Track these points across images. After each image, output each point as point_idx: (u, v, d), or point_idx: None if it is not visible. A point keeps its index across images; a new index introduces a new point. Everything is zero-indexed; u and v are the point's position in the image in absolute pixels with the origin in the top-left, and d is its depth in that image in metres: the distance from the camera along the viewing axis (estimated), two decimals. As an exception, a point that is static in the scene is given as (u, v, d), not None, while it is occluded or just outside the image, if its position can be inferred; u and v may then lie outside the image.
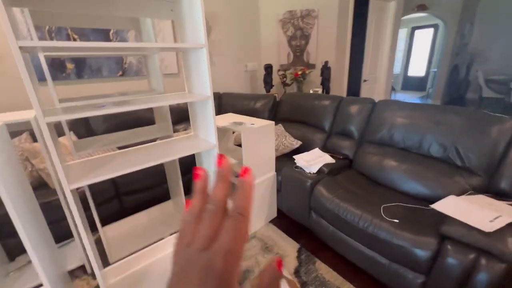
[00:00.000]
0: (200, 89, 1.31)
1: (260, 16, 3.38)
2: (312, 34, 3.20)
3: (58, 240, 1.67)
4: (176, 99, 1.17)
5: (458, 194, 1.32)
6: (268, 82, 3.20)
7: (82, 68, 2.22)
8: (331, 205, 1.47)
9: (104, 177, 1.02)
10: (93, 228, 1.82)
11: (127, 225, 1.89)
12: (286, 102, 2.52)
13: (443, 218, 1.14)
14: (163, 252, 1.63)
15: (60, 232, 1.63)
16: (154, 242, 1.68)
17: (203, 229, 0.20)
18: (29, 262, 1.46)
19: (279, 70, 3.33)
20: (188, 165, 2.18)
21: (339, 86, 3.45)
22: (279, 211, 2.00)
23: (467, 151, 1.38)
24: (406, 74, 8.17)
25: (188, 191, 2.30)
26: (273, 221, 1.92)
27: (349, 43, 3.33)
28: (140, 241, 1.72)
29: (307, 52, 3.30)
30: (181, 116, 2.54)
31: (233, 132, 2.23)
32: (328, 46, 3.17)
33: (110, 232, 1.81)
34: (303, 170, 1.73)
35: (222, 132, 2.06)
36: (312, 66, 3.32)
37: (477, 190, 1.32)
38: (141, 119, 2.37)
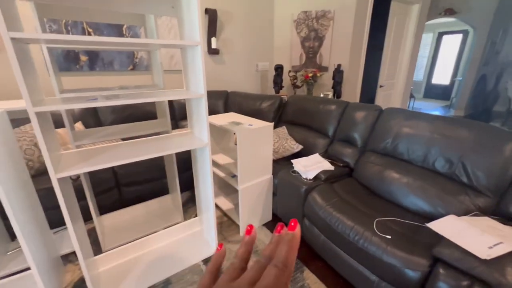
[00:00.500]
0: (195, 87, 1.30)
1: (275, 15, 3.34)
2: (327, 36, 3.11)
3: (59, 225, 1.74)
4: (169, 96, 1.17)
5: (462, 214, 1.22)
6: (277, 83, 3.16)
7: (95, 60, 2.30)
8: (323, 214, 1.41)
9: (91, 168, 1.04)
10: (90, 216, 1.88)
11: (124, 216, 1.94)
12: (292, 104, 2.47)
13: (440, 238, 1.06)
14: (155, 245, 1.65)
15: (61, 217, 1.70)
16: (148, 235, 1.71)
17: (249, 272, 0.22)
18: (28, 243, 1.53)
19: (290, 71, 3.27)
20: (188, 162, 2.20)
21: (352, 90, 3.33)
22: (274, 215, 1.96)
23: (475, 168, 1.28)
24: (430, 82, 7.77)
25: (185, 187, 2.32)
26: (267, 225, 1.89)
27: (365, 46, 3.21)
28: (135, 232, 1.76)
29: (320, 54, 3.22)
30: (184, 115, 2.56)
31: (234, 133, 2.22)
32: (343, 48, 3.07)
33: (107, 221, 1.87)
34: (300, 175, 1.68)
35: (223, 131, 2.05)
36: (325, 69, 3.23)
37: (483, 212, 1.21)
38: (148, 113, 2.42)
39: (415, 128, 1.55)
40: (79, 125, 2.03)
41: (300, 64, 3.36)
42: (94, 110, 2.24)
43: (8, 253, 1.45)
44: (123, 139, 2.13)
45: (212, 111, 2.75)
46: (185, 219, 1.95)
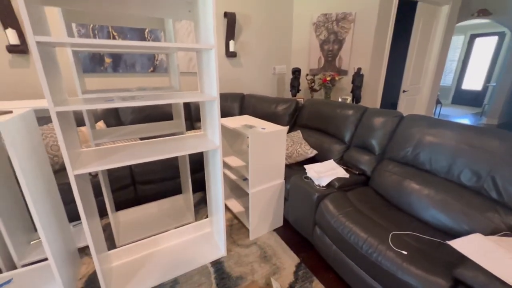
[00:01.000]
0: (209, 90, 1.31)
1: (293, 18, 3.31)
2: (347, 39, 3.03)
3: (78, 218, 1.83)
4: (182, 98, 1.19)
5: (489, 233, 1.12)
6: (294, 86, 3.12)
7: (118, 62, 2.41)
8: (335, 223, 1.36)
9: (107, 166, 1.08)
10: (106, 212, 1.96)
11: (138, 213, 1.99)
12: (309, 108, 2.42)
13: (463, 258, 0.97)
14: (166, 243, 1.68)
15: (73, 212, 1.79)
16: (160, 233, 1.75)
17: None
18: (49, 234, 1.62)
19: (307, 75, 3.22)
20: (201, 163, 2.22)
21: (372, 95, 3.21)
22: (285, 220, 1.93)
23: (507, 184, 1.16)
24: (459, 87, 7.30)
25: (198, 188, 2.35)
26: (277, 230, 1.86)
27: (388, 49, 3.08)
28: (148, 230, 1.80)
29: (340, 58, 3.14)
30: (198, 117, 2.60)
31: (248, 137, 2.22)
32: (363, 52, 2.97)
33: (122, 217, 1.93)
34: (312, 181, 1.64)
35: (236, 134, 2.05)
36: (344, 73, 3.14)
37: (514, 232, 1.10)
38: (165, 114, 2.49)
39: (440, 137, 1.45)
40: (101, 124, 2.13)
41: (318, 67, 3.30)
42: (115, 110, 2.35)
43: (31, 243, 1.55)
44: (141, 139, 2.21)
45: (227, 113, 2.77)
46: (196, 219, 1.97)
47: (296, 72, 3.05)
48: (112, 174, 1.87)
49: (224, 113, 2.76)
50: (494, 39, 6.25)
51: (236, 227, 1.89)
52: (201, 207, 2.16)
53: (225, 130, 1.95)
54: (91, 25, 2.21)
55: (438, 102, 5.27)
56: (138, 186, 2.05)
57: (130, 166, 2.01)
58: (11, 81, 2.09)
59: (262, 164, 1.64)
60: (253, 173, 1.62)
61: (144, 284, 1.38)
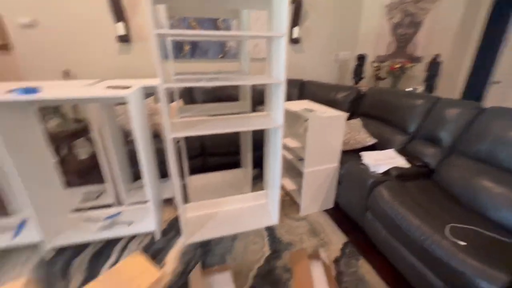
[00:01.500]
0: (277, 74, 1.46)
1: (364, 0, 3.14)
2: (425, 22, 2.74)
3: (163, 176, 2.28)
4: (255, 80, 1.37)
5: None
6: (358, 73, 3.02)
7: (195, 49, 2.76)
8: (388, 209, 1.39)
9: (195, 133, 1.35)
10: (182, 175, 2.35)
11: (205, 179, 2.35)
12: (371, 97, 2.35)
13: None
14: (228, 207, 1.96)
15: (165, 170, 2.22)
16: (222, 197, 2.05)
17: None
18: (141, 187, 2.09)
19: (373, 62, 3.06)
20: (260, 142, 2.43)
21: (450, 85, 2.86)
22: (336, 203, 2.00)
23: None
24: None
25: (256, 164, 2.58)
26: (328, 211, 1.96)
27: (477, 34, 2.67)
28: (213, 194, 2.13)
29: (413, 43, 2.87)
30: (261, 99, 2.79)
31: (306, 120, 2.31)
32: (444, 36, 2.65)
33: (193, 181, 2.31)
34: (368, 168, 1.66)
35: (296, 118, 2.17)
36: (417, 60, 2.87)
37: None
38: (230, 96, 2.77)
39: (527, 133, 1.29)
40: (180, 102, 2.53)
41: (387, 54, 3.09)
42: (190, 91, 2.72)
43: (131, 190, 2.03)
44: (212, 115, 2.53)
45: (286, 98, 2.89)
46: (253, 192, 2.21)
47: (361, 58, 2.94)
48: (186, 145, 2.24)
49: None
50: None
51: (288, 203, 2.06)
52: (256, 181, 2.39)
53: (285, 113, 2.09)
54: (176, 17, 2.58)
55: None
56: (206, 157, 2.40)
57: (201, 139, 2.36)
58: (118, 65, 2.64)
59: (318, 146, 1.73)
60: (309, 154, 1.73)
61: (210, 233, 1.68)
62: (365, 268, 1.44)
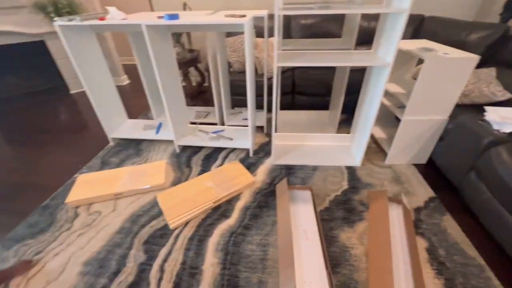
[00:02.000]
0: (399, 2, 1.28)
1: None
2: None
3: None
4: (370, 9, 1.26)
5: None
6: (510, 7, 2.24)
7: (300, -22, 2.57)
8: (504, 172, 1.22)
9: (297, 64, 1.43)
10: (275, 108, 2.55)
11: (292, 116, 2.50)
12: (524, 39, 1.78)
13: None
14: (311, 142, 2.10)
15: (257, 103, 2.47)
16: (305, 133, 2.19)
17: None
18: (240, 112, 2.42)
19: (546, -12, 2.17)
20: (356, 87, 2.31)
21: None
22: (430, 160, 1.85)
23: None
24: None
25: (346, 111, 2.52)
26: (417, 166, 1.84)
27: None
28: (298, 129, 2.29)
29: None
30: (363, 39, 2.49)
31: (416, 65, 2.00)
32: None
33: (281, 115, 2.51)
34: (490, 125, 1.42)
35: (404, 60, 1.92)
36: None
37: None
38: (328, 33, 2.60)
39: None
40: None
41: None
42: (288, 27, 2.68)
43: (230, 115, 2.39)
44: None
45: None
46: (337, 134, 2.25)
47: (526, -17, 2.12)
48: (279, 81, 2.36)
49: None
50: None
51: (374, 151, 2.03)
52: (341, 126, 2.38)
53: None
54: None
55: None
56: (295, 96, 2.49)
57: (293, 78, 2.42)
58: (226, -3, 2.78)
59: (428, 93, 1.54)
60: (413, 101, 1.58)
61: (294, 160, 1.90)
62: (449, 223, 1.40)
